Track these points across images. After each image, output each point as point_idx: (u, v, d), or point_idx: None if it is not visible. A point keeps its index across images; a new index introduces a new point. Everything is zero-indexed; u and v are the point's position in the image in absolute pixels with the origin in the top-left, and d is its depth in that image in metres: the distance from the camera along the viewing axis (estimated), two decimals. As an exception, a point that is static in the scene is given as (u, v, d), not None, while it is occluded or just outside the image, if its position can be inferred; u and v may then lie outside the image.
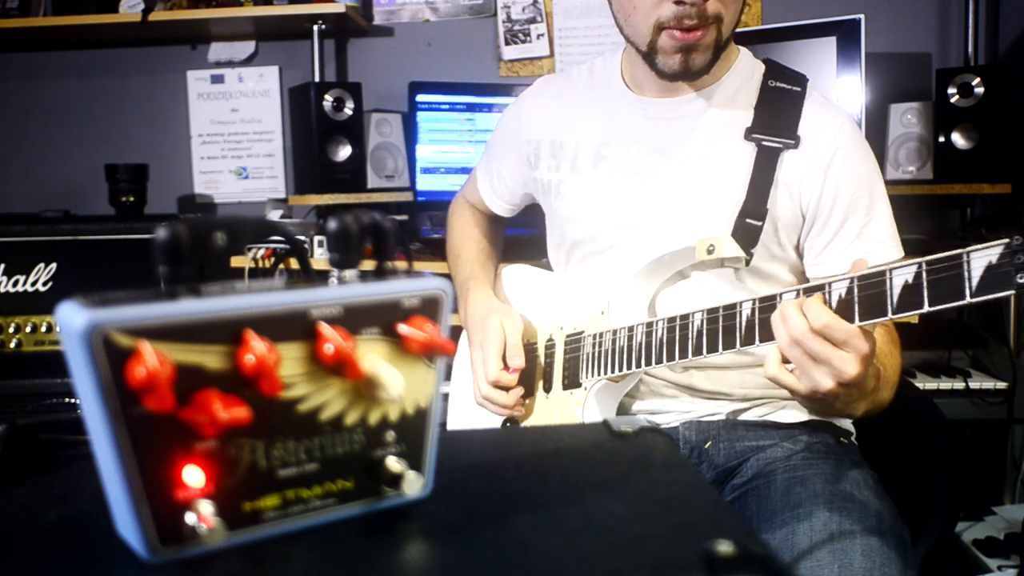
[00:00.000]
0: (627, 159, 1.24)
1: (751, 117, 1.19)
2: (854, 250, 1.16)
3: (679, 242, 1.15)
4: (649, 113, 1.24)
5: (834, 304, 0.91)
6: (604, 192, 1.26)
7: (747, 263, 1.15)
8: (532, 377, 1.29)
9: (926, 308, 0.84)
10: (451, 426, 1.42)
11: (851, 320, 0.89)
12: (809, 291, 0.93)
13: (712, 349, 1.04)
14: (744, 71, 1.23)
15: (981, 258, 0.80)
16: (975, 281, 0.80)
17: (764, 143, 1.17)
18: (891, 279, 0.87)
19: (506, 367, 1.26)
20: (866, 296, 0.89)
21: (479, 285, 1.40)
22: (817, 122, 1.18)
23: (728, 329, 1.02)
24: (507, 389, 1.26)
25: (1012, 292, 0.78)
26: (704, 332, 1.05)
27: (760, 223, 1.15)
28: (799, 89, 1.21)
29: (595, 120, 1.28)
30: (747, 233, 1.15)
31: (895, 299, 0.86)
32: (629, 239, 1.24)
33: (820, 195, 1.16)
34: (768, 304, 0.98)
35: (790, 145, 1.16)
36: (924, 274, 0.84)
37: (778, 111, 1.19)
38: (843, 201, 1.16)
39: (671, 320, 1.10)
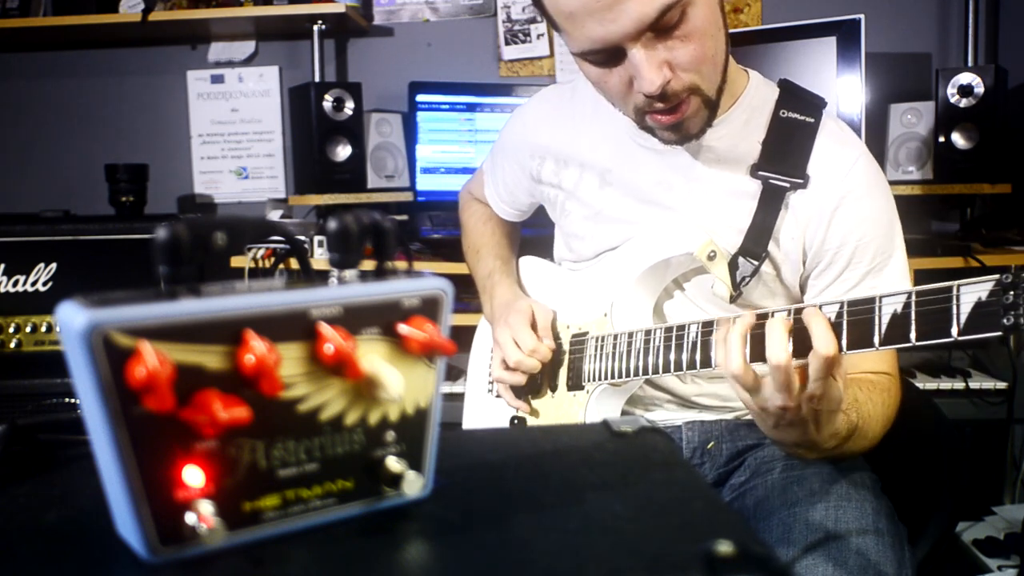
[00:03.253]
0: (631, 190, 1.20)
1: (758, 152, 1.13)
2: (856, 294, 1.09)
3: (682, 247, 1.14)
4: (654, 145, 1.16)
5: None
6: (608, 217, 1.23)
7: (732, 299, 1.12)
8: (539, 376, 1.29)
9: (912, 342, 0.83)
10: (465, 425, 1.42)
11: (839, 348, 0.88)
12: (799, 312, 0.93)
13: (705, 364, 1.03)
14: (754, 100, 1.14)
15: (971, 293, 0.79)
16: (963, 318, 0.79)
17: (771, 181, 1.11)
18: (880, 307, 0.86)
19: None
20: (855, 322, 0.88)
21: (503, 278, 1.37)
22: (828, 161, 1.11)
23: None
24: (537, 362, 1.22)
25: (999, 334, 0.77)
26: (699, 344, 1.04)
27: (756, 263, 1.11)
28: (812, 120, 1.13)
29: (600, 143, 1.23)
30: (740, 272, 1.11)
31: (883, 329, 0.86)
32: (633, 242, 1.23)
33: (824, 239, 1.11)
34: (763, 322, 0.96)
35: (798, 185, 1.10)
36: (913, 304, 0.84)
37: (788, 147, 1.11)
38: (849, 246, 1.10)
39: (668, 330, 1.09)
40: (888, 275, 1.11)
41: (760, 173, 1.12)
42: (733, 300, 1.12)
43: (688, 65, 0.99)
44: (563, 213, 1.30)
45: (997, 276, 0.78)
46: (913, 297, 0.84)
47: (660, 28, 0.96)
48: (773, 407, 0.91)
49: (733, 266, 1.11)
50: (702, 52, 0.99)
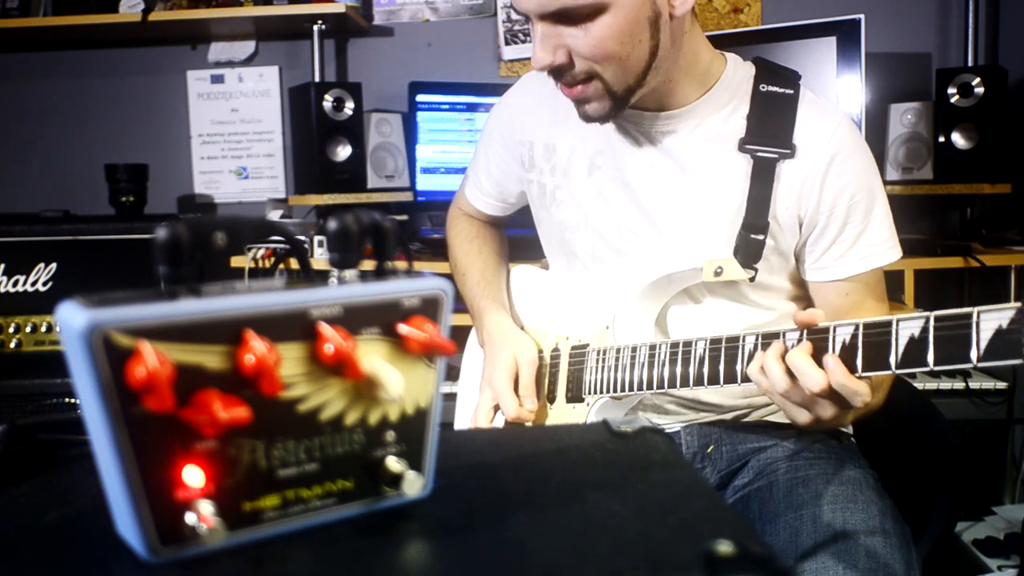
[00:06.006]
0: (620, 172, 1.20)
1: (744, 127, 1.15)
2: (853, 255, 1.14)
3: (687, 262, 1.14)
4: (637, 127, 1.18)
5: (837, 350, 0.89)
6: (601, 201, 1.23)
7: (752, 279, 1.14)
8: (537, 386, 1.28)
9: (930, 367, 0.83)
10: (458, 426, 1.41)
11: (853, 370, 0.88)
12: (814, 334, 0.92)
13: (713, 381, 1.03)
14: (733, 79, 1.17)
15: (991, 320, 0.78)
16: (983, 345, 0.78)
17: (759, 154, 1.13)
18: (897, 330, 0.85)
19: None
20: (870, 344, 0.87)
21: (490, 305, 1.35)
22: (812, 127, 1.13)
23: (729, 361, 1.01)
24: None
25: (1019, 361, 0.76)
26: (706, 362, 1.03)
27: (763, 237, 1.12)
28: (792, 92, 1.16)
29: (586, 126, 1.21)
30: (750, 248, 1.13)
31: (900, 353, 0.85)
32: (634, 250, 1.22)
33: (818, 203, 1.13)
34: (771, 341, 0.96)
35: (786, 155, 1.12)
36: (931, 329, 0.83)
37: (772, 119, 1.14)
38: (842, 206, 1.12)
39: (674, 345, 1.08)
40: (877, 228, 1.15)
41: (748, 147, 1.14)
42: (752, 280, 1.14)
43: (586, 55, 1.05)
44: (554, 202, 1.29)
45: (1019, 304, 0.77)
46: (931, 322, 0.83)
47: (564, 17, 1.02)
48: (824, 419, 0.94)
49: (741, 245, 1.13)
50: (603, 51, 1.04)
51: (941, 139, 2.26)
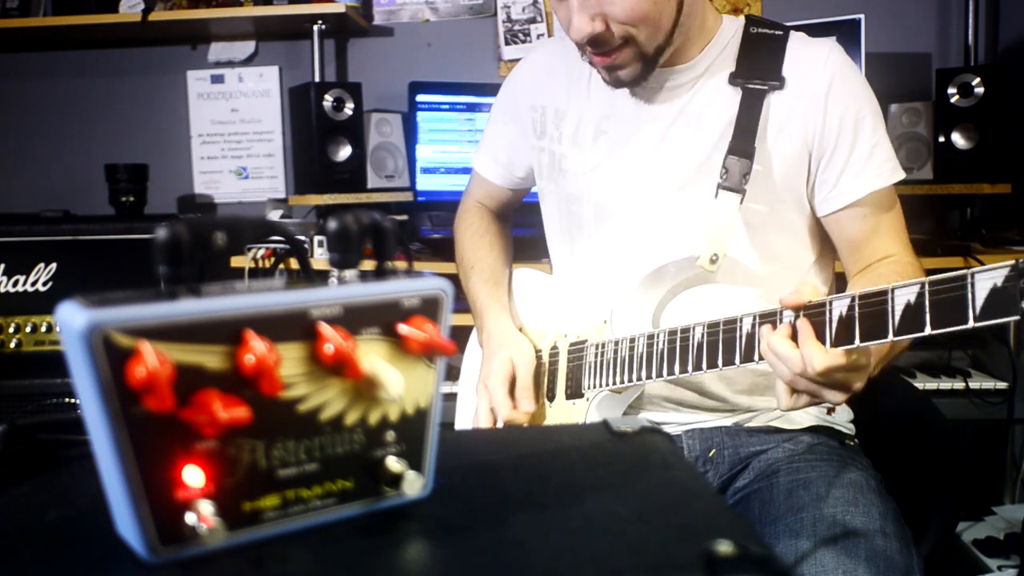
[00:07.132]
0: (624, 133, 1.24)
1: (735, 65, 1.20)
2: (868, 171, 1.16)
3: (682, 251, 1.14)
4: (643, 87, 1.22)
5: (835, 324, 0.89)
6: (605, 167, 1.25)
7: (741, 202, 1.15)
8: (536, 385, 1.29)
9: (927, 331, 0.82)
10: (458, 426, 1.41)
11: (851, 341, 0.88)
12: (810, 309, 0.92)
13: (712, 364, 1.03)
14: (727, 31, 1.23)
15: (986, 280, 0.78)
16: (979, 304, 0.78)
17: (748, 86, 1.18)
18: (893, 298, 0.85)
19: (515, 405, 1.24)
20: (867, 314, 0.87)
21: (494, 306, 1.36)
22: (804, 59, 1.18)
23: (728, 343, 1.01)
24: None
25: (1016, 318, 0.76)
26: (704, 346, 1.04)
27: (749, 160, 1.15)
28: (781, 33, 1.21)
29: (596, 93, 1.27)
30: (736, 170, 1.15)
31: (896, 320, 0.85)
32: (632, 240, 1.23)
33: (824, 125, 1.15)
34: (769, 320, 0.96)
35: (775, 86, 1.17)
36: (927, 295, 0.83)
37: (761, 55, 1.20)
38: (849, 124, 1.15)
39: (672, 332, 1.09)
40: (885, 145, 1.18)
41: (738, 80, 1.19)
42: (741, 202, 1.15)
43: (623, 19, 1.08)
44: (561, 172, 1.31)
45: (1012, 262, 0.77)
46: (927, 287, 0.83)
47: None
48: (835, 404, 0.95)
49: (729, 167, 1.16)
50: (640, 12, 1.08)
51: (941, 139, 2.26)
